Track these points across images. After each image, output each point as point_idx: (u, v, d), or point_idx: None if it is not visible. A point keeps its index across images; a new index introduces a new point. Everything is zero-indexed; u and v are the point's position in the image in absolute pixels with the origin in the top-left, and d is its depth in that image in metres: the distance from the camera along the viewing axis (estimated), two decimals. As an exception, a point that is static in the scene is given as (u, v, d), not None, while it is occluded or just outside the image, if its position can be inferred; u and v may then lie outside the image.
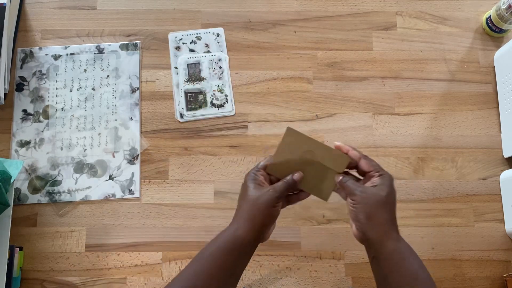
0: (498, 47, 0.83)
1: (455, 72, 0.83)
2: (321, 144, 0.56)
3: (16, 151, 0.78)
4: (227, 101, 0.81)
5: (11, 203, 0.70)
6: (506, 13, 0.79)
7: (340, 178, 0.55)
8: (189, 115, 0.80)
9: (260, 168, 0.57)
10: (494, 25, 0.83)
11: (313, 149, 0.56)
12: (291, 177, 0.56)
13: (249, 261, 0.54)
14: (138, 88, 0.81)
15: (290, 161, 0.57)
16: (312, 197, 0.58)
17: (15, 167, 0.69)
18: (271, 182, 0.57)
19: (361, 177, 0.57)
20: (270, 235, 0.56)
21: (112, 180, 0.77)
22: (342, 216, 0.76)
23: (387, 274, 0.51)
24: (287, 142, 0.56)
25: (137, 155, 0.78)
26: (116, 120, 0.80)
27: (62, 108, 0.80)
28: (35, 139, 0.78)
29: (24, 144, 0.78)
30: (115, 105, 0.80)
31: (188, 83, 0.82)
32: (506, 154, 0.79)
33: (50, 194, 0.76)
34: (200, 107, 0.81)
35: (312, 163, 0.57)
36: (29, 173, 0.77)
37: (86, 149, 0.78)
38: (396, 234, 0.52)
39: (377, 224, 0.52)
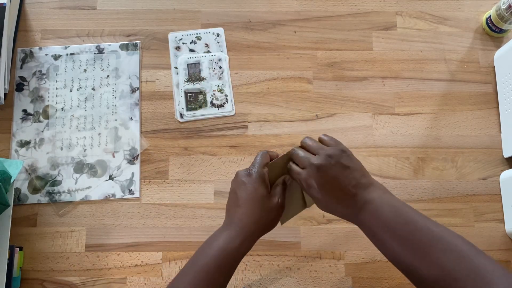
0: (498, 47, 0.83)
1: (455, 72, 0.83)
2: None
3: (16, 151, 0.78)
4: (227, 101, 0.81)
5: (11, 203, 0.70)
6: (506, 13, 0.79)
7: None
8: (189, 115, 0.80)
9: (264, 165, 0.55)
10: (494, 25, 0.83)
11: None
12: (283, 180, 0.56)
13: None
14: (138, 88, 0.81)
15: (284, 168, 0.56)
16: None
17: (15, 167, 0.69)
18: None
19: None
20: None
21: (112, 180, 0.77)
22: (342, 216, 0.76)
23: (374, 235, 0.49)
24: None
25: (137, 155, 0.78)
26: (116, 120, 0.80)
27: (62, 108, 0.80)
28: (35, 139, 0.78)
29: (24, 144, 0.78)
30: (115, 105, 0.80)
31: (188, 83, 0.82)
32: (506, 154, 0.79)
33: (50, 194, 0.76)
34: (200, 107, 0.81)
35: (295, 186, 0.57)
36: (29, 173, 0.77)
37: (86, 149, 0.78)
38: (354, 200, 0.49)
39: (338, 207, 0.51)
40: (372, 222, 0.48)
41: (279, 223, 0.57)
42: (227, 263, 0.50)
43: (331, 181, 0.50)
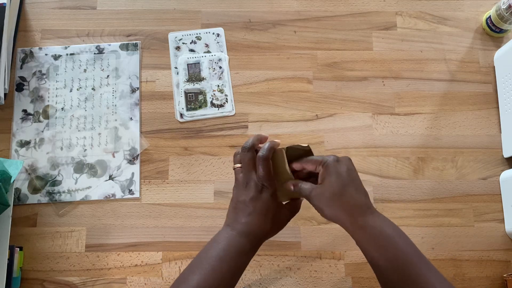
0: (498, 47, 0.83)
1: (455, 72, 0.83)
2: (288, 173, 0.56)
3: (16, 151, 0.78)
4: (227, 101, 0.81)
5: (11, 203, 0.70)
6: (506, 13, 0.79)
7: (292, 186, 0.55)
8: (189, 115, 0.80)
9: (270, 173, 0.55)
10: (494, 25, 0.83)
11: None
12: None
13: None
14: (138, 88, 0.81)
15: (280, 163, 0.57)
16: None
17: (15, 167, 0.69)
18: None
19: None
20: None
21: (112, 180, 0.77)
22: (342, 216, 0.76)
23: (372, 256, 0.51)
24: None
25: (137, 155, 0.78)
26: (116, 120, 0.80)
27: (62, 108, 0.80)
28: (35, 139, 0.78)
29: (24, 144, 0.78)
30: (115, 105, 0.80)
31: (188, 83, 0.82)
32: (506, 154, 0.79)
33: (50, 194, 0.76)
34: (200, 107, 0.81)
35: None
36: (29, 173, 0.77)
37: (86, 149, 0.78)
38: (362, 216, 0.50)
39: (342, 215, 0.51)
40: (370, 248, 0.51)
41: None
42: (235, 262, 0.51)
43: (339, 201, 0.51)
